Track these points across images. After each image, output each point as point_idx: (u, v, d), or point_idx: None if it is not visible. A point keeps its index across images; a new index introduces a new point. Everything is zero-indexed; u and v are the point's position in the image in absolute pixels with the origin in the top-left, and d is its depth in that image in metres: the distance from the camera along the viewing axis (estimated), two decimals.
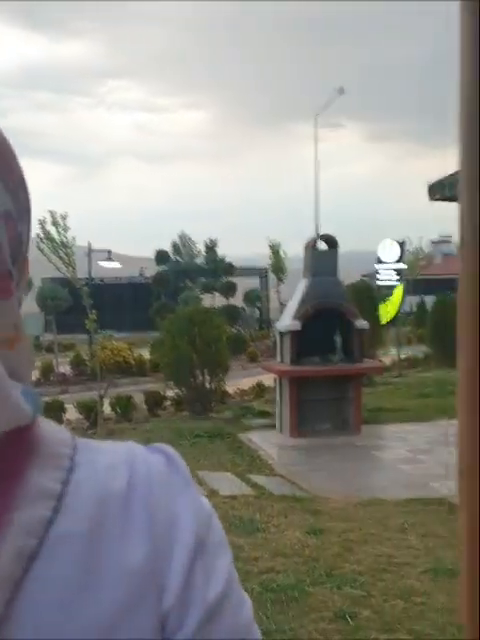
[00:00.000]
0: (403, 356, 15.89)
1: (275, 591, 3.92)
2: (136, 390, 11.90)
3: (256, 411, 10.35)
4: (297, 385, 8.84)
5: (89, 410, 9.46)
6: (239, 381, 12.96)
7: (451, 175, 8.29)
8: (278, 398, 9.25)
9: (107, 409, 9.99)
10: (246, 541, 4.74)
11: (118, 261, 24.04)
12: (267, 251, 27.19)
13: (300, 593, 3.88)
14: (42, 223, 9.87)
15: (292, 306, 9.22)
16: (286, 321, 9.09)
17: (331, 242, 9.40)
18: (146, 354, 17.25)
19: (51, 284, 26.52)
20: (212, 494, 5.87)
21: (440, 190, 8.27)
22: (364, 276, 40.71)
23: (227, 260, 37.28)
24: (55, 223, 10.00)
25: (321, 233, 9.94)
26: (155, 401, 10.66)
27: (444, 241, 55.14)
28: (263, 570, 4.22)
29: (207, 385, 10.68)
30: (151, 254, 34.46)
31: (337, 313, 9.03)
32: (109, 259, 22.51)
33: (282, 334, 9.23)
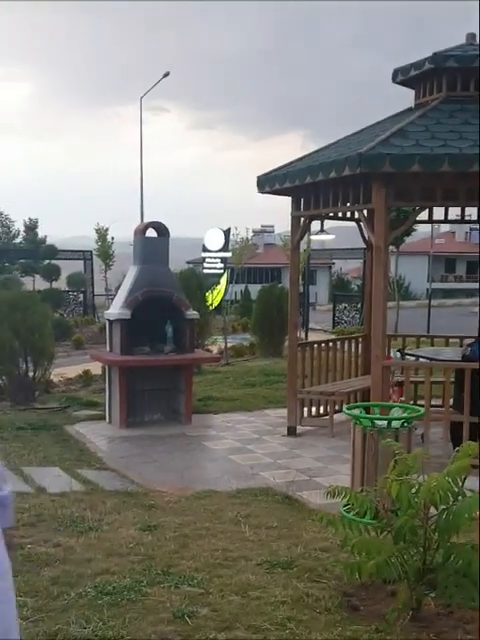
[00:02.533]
0: (230, 344, 16.13)
1: (111, 594, 3.76)
2: None
3: (83, 401, 10.04)
4: (127, 375, 8.67)
5: None
6: (64, 369, 12.53)
7: (276, 169, 8.47)
8: (107, 388, 9.03)
9: None
10: (78, 542, 4.53)
11: None
12: (89, 233, 26.63)
13: (137, 594, 3.75)
14: None
15: (122, 294, 9.01)
16: (116, 309, 8.87)
17: (161, 230, 9.28)
18: None
19: None
20: (39, 492, 5.59)
21: (268, 183, 8.43)
22: (189, 263, 41.10)
23: (49, 242, 36.04)
24: None
25: (146, 218, 9.81)
26: None
27: (265, 231, 56.96)
28: (97, 572, 4.05)
29: (30, 374, 10.21)
30: None
31: (168, 302, 8.95)
32: None
33: (111, 322, 9.01)
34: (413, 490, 3.45)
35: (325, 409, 8.79)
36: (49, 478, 6.00)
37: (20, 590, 3.78)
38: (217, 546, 4.49)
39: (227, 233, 18.01)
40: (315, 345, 9.42)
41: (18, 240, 40.52)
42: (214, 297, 17.69)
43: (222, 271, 18.28)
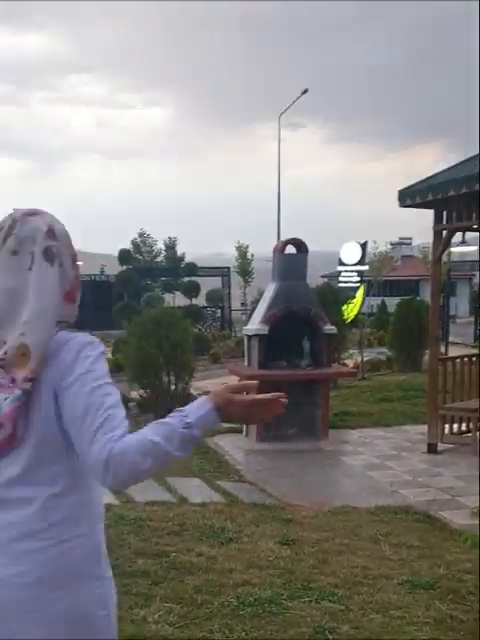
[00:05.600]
0: (366, 358, 15.95)
1: (252, 605, 3.83)
2: None
3: None
4: (264, 389, 8.73)
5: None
6: (203, 383, 12.86)
7: (418, 182, 8.35)
8: None
9: None
10: (219, 551, 4.65)
11: (80, 258, 23.67)
12: (228, 250, 27.21)
13: (278, 607, 3.80)
14: None
15: (260, 309, 9.16)
16: (254, 325, 9.02)
17: (300, 246, 9.36)
18: (108, 354, 17.05)
19: None
20: (182, 502, 5.78)
21: (410, 196, 8.32)
22: (323, 277, 41.02)
23: (188, 259, 37.10)
24: None
25: (282, 234, 9.93)
26: None
27: (403, 243, 55.83)
28: (239, 582, 4.14)
29: (172, 387, 10.56)
30: (110, 250, 34.14)
31: (305, 317, 9.00)
32: None
33: (250, 337, 9.17)
34: None
35: (468, 426, 8.51)
36: (190, 488, 6.19)
37: (167, 596, 3.93)
38: (356, 563, 4.47)
39: (364, 246, 17.84)
40: (457, 360, 9.16)
41: (160, 259, 42.05)
42: (350, 311, 17.55)
43: (358, 285, 18.11)
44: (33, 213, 1.64)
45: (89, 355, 1.57)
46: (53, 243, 1.63)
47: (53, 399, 1.56)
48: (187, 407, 1.58)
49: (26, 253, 1.59)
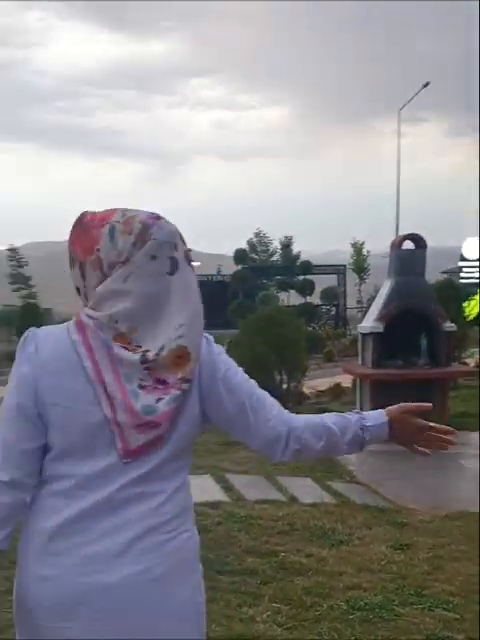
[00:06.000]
0: None
1: (363, 610, 3.74)
2: None
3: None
4: (378, 388, 8.58)
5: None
6: (316, 381, 12.77)
7: None
8: (357, 401, 9.02)
9: None
10: (329, 553, 4.57)
11: (197, 259, 24.17)
12: (343, 248, 26.94)
13: (389, 613, 3.68)
14: None
15: (375, 307, 8.97)
16: (369, 322, 8.85)
17: (418, 242, 9.09)
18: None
19: None
20: (292, 501, 5.73)
21: None
22: (444, 273, 39.84)
23: (303, 258, 37.03)
24: None
25: (400, 230, 9.68)
26: None
27: None
28: (349, 586, 4.05)
29: (284, 386, 10.53)
30: (227, 251, 34.57)
31: (423, 314, 8.73)
32: None
33: (364, 336, 9.00)
34: None
35: None
36: (301, 488, 6.12)
37: (275, 596, 3.90)
38: (473, 571, 4.27)
39: None
40: None
41: (275, 257, 42.18)
42: (472, 308, 16.93)
43: None
44: (158, 217, 1.60)
45: (220, 351, 1.68)
46: (187, 247, 1.64)
47: (199, 398, 1.61)
48: (367, 412, 1.69)
49: (165, 257, 1.55)
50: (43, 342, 1.55)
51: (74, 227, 1.61)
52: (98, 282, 1.56)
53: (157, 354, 1.53)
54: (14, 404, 1.53)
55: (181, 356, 1.55)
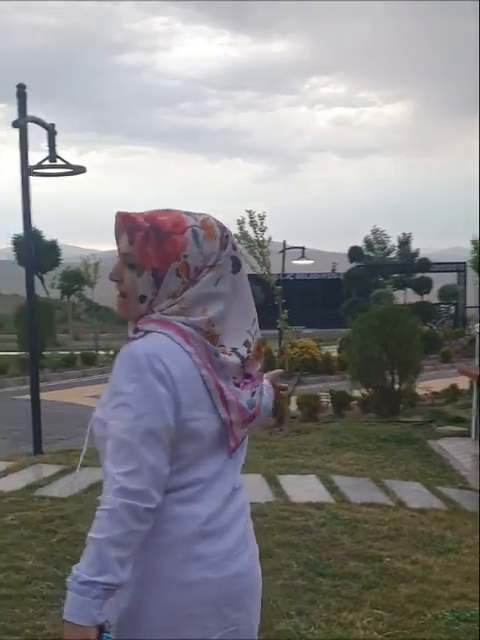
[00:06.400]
0: None
1: (469, 621, 3.60)
2: (322, 388, 11.79)
3: (448, 416, 9.79)
4: None
5: (275, 408, 9.45)
6: (431, 383, 12.41)
7: None
8: (474, 404, 8.68)
9: (293, 407, 9.94)
10: (436, 561, 4.43)
11: (311, 257, 24.08)
12: (464, 245, 26.08)
13: None
14: (240, 223, 9.93)
15: None
16: None
17: None
18: (334, 352, 17.09)
19: None
20: (399, 506, 5.59)
21: None
22: None
23: (422, 255, 36.11)
24: (253, 223, 10.01)
25: None
26: (341, 401, 10.45)
27: None
28: (455, 596, 3.91)
29: (396, 386, 10.30)
30: (344, 249, 34.21)
31: None
32: (303, 257, 22.61)
33: None
34: None
35: None
36: (409, 492, 5.96)
37: (377, 603, 3.81)
38: None
39: None
40: None
41: (392, 255, 41.37)
42: None
43: None
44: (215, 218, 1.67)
45: None
46: None
47: None
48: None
49: (228, 256, 1.64)
50: (167, 359, 1.52)
51: (137, 233, 1.57)
52: (180, 288, 1.57)
53: (248, 351, 1.64)
54: (157, 428, 1.49)
55: (259, 348, 1.69)
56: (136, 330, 1.59)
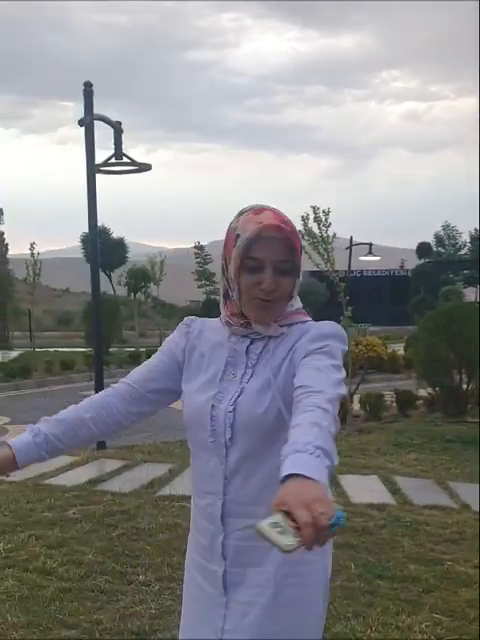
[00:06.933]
0: None
1: None
2: (387, 387, 11.60)
3: None
4: None
5: (339, 406, 9.33)
6: None
7: None
8: None
9: (356, 406, 9.82)
10: None
11: (379, 253, 23.75)
12: None
13: None
14: (305, 220, 9.84)
15: None
16: None
17: None
18: (400, 350, 16.81)
19: (309, 279, 27.02)
20: (463, 509, 5.45)
21: None
22: None
23: None
24: (317, 219, 9.91)
25: None
26: (406, 400, 10.25)
27: None
28: None
29: (464, 386, 10.05)
30: (412, 246, 33.63)
31: None
32: (370, 253, 22.30)
33: None
34: None
35: None
36: (475, 495, 5.80)
37: (436, 607, 3.73)
38: None
39: None
40: None
41: (463, 251, 40.47)
42: None
43: None
44: None
45: None
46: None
47: None
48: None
49: None
50: None
51: (299, 242, 1.64)
52: None
53: None
54: None
55: None
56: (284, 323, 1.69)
